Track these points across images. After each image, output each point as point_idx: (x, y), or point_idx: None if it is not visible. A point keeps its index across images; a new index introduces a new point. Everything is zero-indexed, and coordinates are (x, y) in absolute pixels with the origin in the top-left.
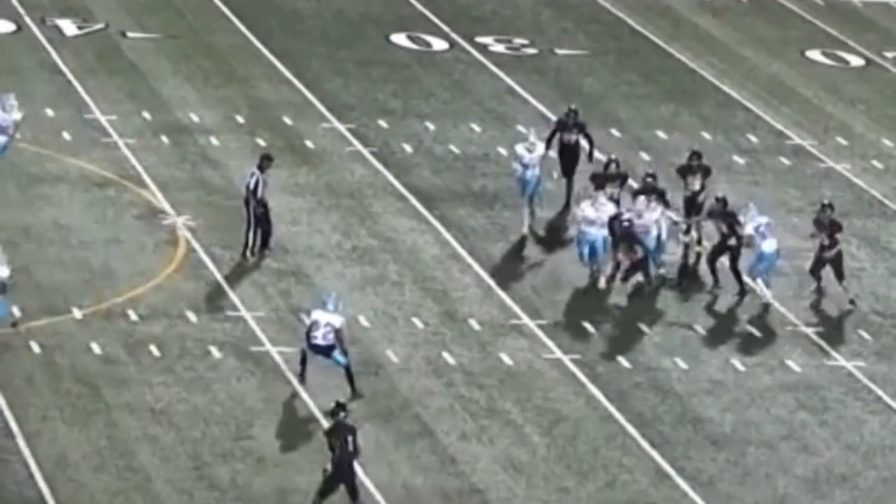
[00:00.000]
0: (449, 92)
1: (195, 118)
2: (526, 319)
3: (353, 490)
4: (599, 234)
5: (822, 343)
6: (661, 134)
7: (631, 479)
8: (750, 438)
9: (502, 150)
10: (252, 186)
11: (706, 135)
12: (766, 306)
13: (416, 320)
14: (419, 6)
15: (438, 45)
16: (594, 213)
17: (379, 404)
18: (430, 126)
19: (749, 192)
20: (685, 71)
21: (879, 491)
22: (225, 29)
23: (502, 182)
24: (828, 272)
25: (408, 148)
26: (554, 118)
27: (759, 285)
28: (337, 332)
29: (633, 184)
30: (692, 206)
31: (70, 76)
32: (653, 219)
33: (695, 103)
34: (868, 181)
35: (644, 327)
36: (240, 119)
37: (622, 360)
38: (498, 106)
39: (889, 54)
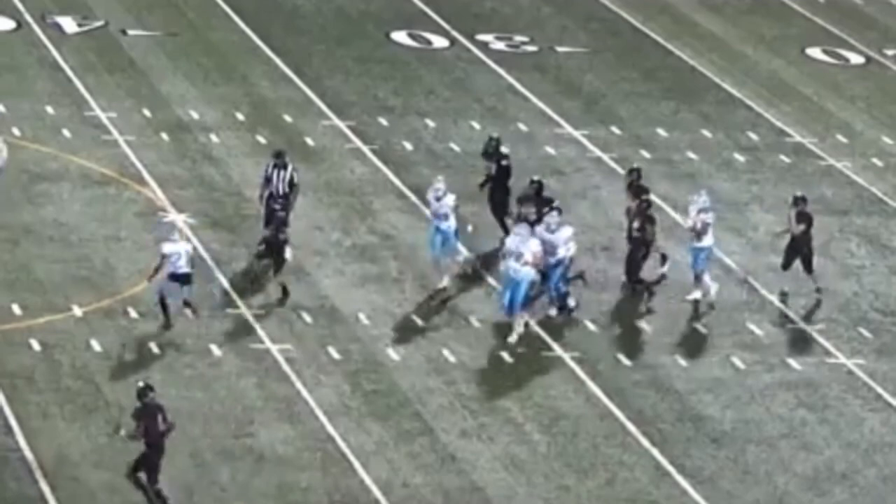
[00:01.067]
0: (449, 89)
1: (195, 115)
2: (526, 317)
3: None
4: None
5: (823, 341)
6: (661, 132)
7: (631, 477)
8: (750, 436)
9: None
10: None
11: (706, 132)
12: (711, 305)
13: (416, 318)
14: (419, 4)
15: (439, 42)
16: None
17: (379, 402)
18: (431, 124)
19: (749, 189)
20: (685, 68)
21: (879, 489)
22: (225, 26)
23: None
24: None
25: (408, 145)
26: (554, 115)
27: (704, 282)
28: (192, 259)
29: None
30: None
31: (70, 73)
32: (562, 238)
33: (695, 101)
34: (868, 179)
35: (644, 325)
36: (240, 116)
37: (622, 358)
38: (498, 104)
39: (889, 52)
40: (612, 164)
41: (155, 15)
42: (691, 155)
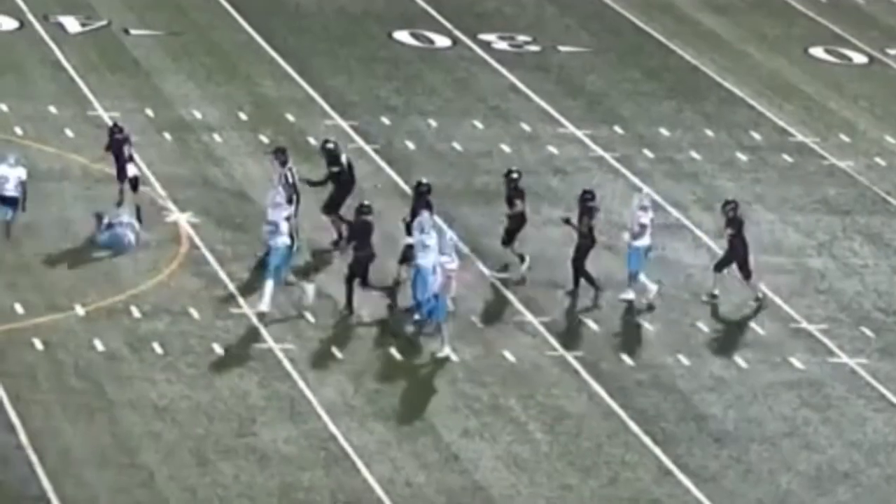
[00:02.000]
0: (451, 89)
1: (198, 115)
2: (529, 317)
3: None
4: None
5: (825, 340)
6: (663, 131)
7: (634, 476)
8: (753, 435)
9: (505, 148)
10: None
11: (709, 132)
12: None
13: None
14: (422, 3)
15: (441, 42)
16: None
17: (382, 401)
18: (433, 123)
19: (752, 189)
20: (688, 68)
21: (883, 488)
22: (227, 26)
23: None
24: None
25: (410, 145)
26: (557, 115)
27: (641, 282)
28: (23, 183)
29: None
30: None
31: (73, 73)
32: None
33: (697, 100)
34: (871, 178)
35: (647, 324)
36: (242, 116)
37: (625, 358)
38: (501, 103)
39: (892, 51)
40: (615, 164)
41: (157, 14)
42: (694, 154)
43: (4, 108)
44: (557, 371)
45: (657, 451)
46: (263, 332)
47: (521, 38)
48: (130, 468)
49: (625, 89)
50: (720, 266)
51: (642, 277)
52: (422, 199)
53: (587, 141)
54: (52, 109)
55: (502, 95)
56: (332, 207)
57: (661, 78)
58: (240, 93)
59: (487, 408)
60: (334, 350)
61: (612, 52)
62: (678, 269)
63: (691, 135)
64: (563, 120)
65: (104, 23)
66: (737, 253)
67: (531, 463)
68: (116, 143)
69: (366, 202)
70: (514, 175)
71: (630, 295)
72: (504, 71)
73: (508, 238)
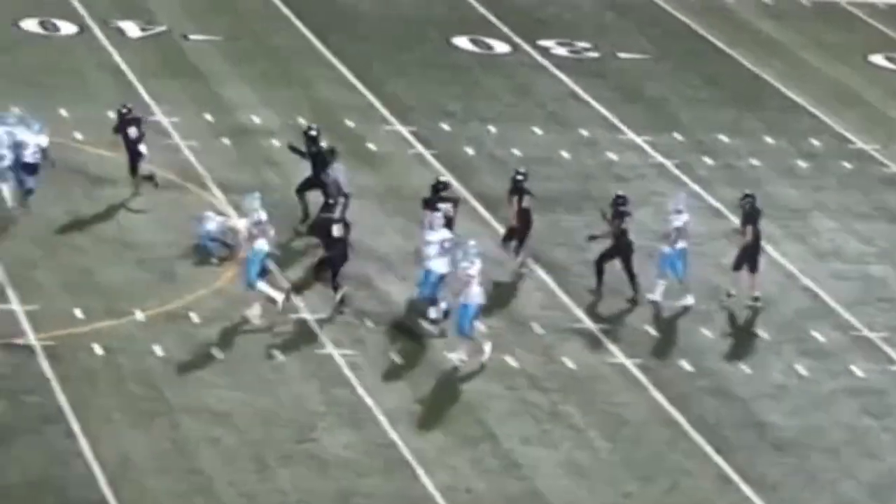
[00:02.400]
0: (511, 95)
1: (257, 120)
2: (589, 323)
3: None
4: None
5: (886, 348)
6: (723, 138)
7: (693, 484)
8: (813, 443)
9: (564, 154)
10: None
11: (769, 139)
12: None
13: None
14: (481, 9)
15: (500, 47)
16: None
17: (441, 407)
18: (492, 129)
19: (812, 196)
20: (747, 75)
21: None
22: (286, 31)
23: (565, 185)
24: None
25: (470, 151)
26: (616, 121)
27: (660, 283)
28: (44, 151)
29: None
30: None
31: (132, 78)
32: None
33: (757, 107)
34: None
35: (707, 331)
36: (301, 121)
37: (685, 364)
38: (560, 109)
39: None
40: (674, 171)
41: (216, 20)
42: (754, 161)
43: (64, 112)
44: (617, 378)
45: (717, 458)
46: (323, 337)
47: (581, 44)
48: (190, 473)
49: (684, 96)
50: (753, 268)
51: (660, 281)
52: (435, 199)
53: (646, 147)
54: (111, 114)
55: (562, 101)
56: (301, 187)
57: (720, 85)
58: (298, 98)
59: (547, 414)
60: (394, 356)
61: (671, 58)
62: (738, 276)
63: (751, 142)
64: (622, 126)
65: (164, 28)
66: (751, 245)
67: (591, 470)
68: (123, 124)
69: (331, 201)
70: (520, 177)
71: (689, 300)
72: (563, 77)
73: (519, 237)
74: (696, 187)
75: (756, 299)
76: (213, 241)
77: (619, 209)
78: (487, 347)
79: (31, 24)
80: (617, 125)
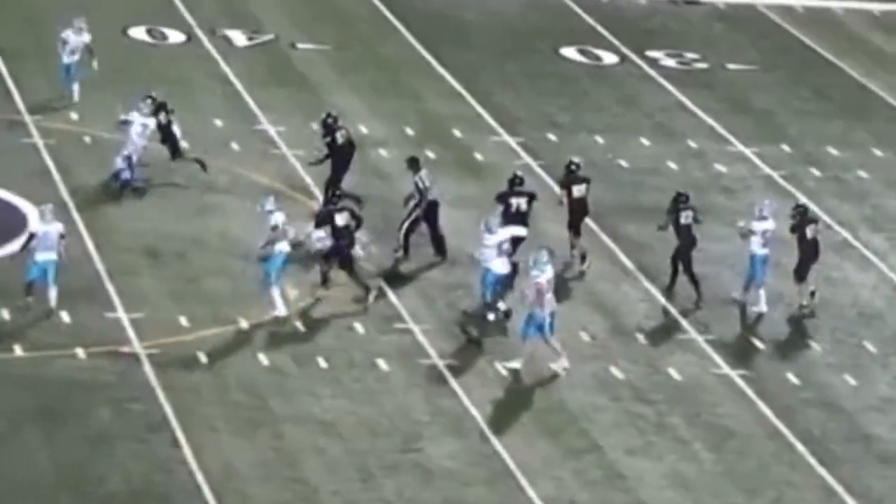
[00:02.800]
0: (619, 106)
1: (364, 130)
2: (694, 334)
3: None
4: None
5: None
6: (831, 150)
7: (799, 497)
8: None
9: (672, 165)
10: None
11: (877, 151)
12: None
13: (583, 334)
14: (590, 20)
15: (609, 58)
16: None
17: (546, 418)
18: (600, 140)
19: None
20: (856, 87)
21: None
22: (394, 41)
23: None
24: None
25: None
26: (724, 133)
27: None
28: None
29: None
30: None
31: (239, 87)
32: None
33: (866, 119)
34: None
35: (813, 343)
36: (409, 132)
37: (790, 377)
38: (667, 120)
39: None
40: (782, 182)
41: (324, 29)
42: (862, 174)
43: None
44: (723, 389)
45: (822, 471)
46: (428, 347)
47: (689, 55)
48: (294, 483)
49: (793, 107)
50: (802, 276)
51: (740, 288)
52: (510, 192)
53: (755, 159)
54: (218, 123)
55: (669, 112)
56: (331, 183)
57: (829, 96)
58: (406, 108)
59: (652, 426)
60: (498, 366)
61: (780, 70)
62: (845, 289)
63: (859, 154)
64: (730, 138)
65: (271, 37)
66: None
67: (696, 482)
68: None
69: (338, 192)
70: (573, 167)
71: (762, 307)
72: (671, 88)
73: (574, 227)
74: (803, 199)
75: (803, 307)
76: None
77: (679, 206)
78: (563, 360)
79: (139, 33)
80: (725, 136)
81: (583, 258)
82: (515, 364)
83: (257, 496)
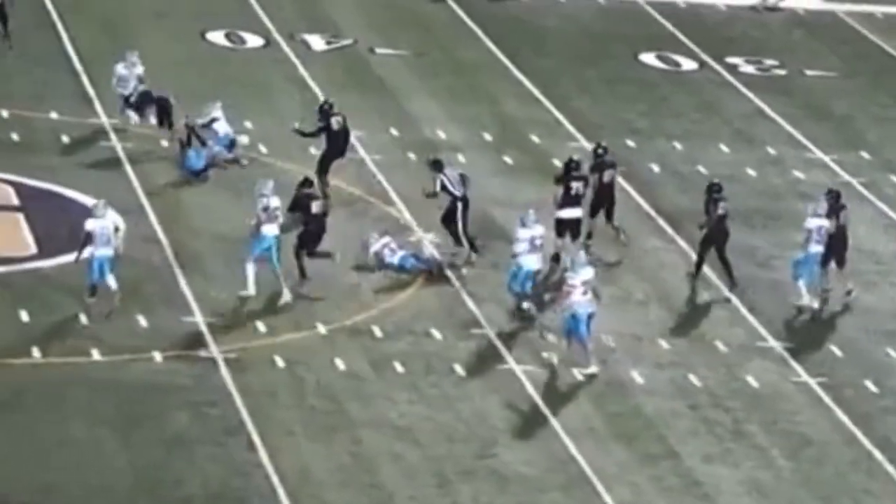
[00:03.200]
0: (697, 112)
1: (442, 135)
2: (772, 342)
3: None
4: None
5: None
6: None
7: None
8: None
9: (750, 172)
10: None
11: None
12: None
13: (661, 341)
14: (669, 26)
15: (688, 64)
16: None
17: (623, 424)
18: (678, 146)
19: None
20: None
21: None
22: (472, 46)
23: (750, 203)
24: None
25: (655, 168)
26: (803, 139)
27: (801, 287)
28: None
29: None
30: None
31: (317, 91)
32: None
33: None
34: None
35: (891, 351)
36: (487, 137)
37: (869, 384)
38: (746, 127)
39: None
40: (861, 189)
41: (403, 34)
42: None
43: (249, 125)
44: (800, 397)
45: None
46: (505, 353)
47: (769, 61)
48: (370, 488)
49: (872, 114)
50: (839, 262)
51: (800, 283)
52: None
53: (834, 166)
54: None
55: (748, 119)
56: (320, 168)
57: None
58: (484, 113)
59: (730, 433)
60: (575, 372)
61: (860, 76)
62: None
63: None
64: (809, 144)
65: (350, 41)
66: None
67: (773, 490)
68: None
69: (309, 177)
70: (601, 150)
71: (808, 302)
72: (751, 94)
73: (606, 212)
74: (882, 206)
75: (849, 293)
76: (412, 259)
77: (713, 196)
78: (594, 366)
79: (217, 37)
80: (804, 143)
81: (618, 231)
82: (592, 369)
83: (333, 501)
